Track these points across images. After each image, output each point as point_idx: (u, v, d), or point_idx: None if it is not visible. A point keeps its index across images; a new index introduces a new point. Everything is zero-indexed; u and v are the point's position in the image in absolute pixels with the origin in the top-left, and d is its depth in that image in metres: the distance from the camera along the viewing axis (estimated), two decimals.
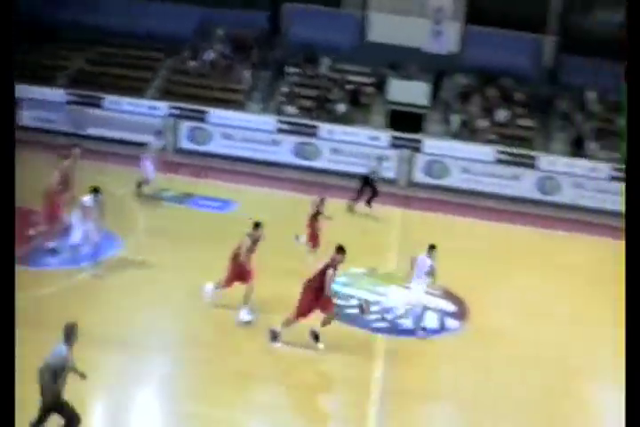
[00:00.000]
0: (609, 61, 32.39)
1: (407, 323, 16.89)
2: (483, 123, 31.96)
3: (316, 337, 14.89)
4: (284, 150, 30.56)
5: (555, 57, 34.84)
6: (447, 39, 33.94)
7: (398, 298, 17.95)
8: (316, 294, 14.70)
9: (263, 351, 14.59)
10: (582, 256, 23.80)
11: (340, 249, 14.91)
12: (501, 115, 32.37)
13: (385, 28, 33.61)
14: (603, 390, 15.20)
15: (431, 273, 16.34)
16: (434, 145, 30.77)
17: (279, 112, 31.94)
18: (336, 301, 15.82)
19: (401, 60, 33.54)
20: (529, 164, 30.37)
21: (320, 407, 13.56)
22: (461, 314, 17.74)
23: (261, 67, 33.99)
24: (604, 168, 30.12)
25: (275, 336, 14.78)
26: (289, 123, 31.01)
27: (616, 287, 20.75)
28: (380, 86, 33.43)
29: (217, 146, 30.62)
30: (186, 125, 30.76)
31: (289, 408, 12.82)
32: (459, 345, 16.25)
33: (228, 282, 16.04)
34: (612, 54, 32.17)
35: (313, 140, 30.66)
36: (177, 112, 31.14)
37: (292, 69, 33.86)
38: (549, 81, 34.52)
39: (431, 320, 17.19)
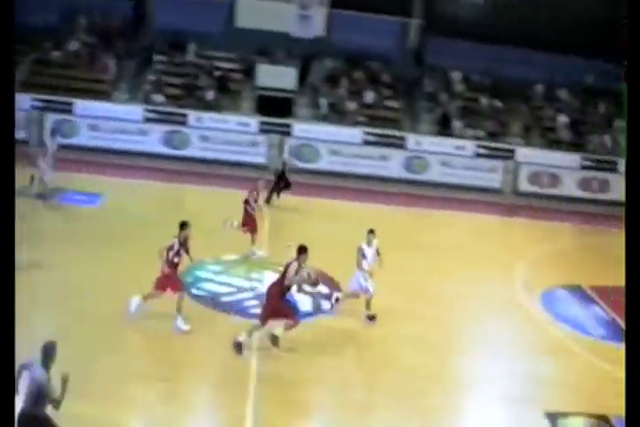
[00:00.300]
0: (472, 42, 33.31)
1: None
2: (351, 105, 32.39)
3: (274, 341, 14.37)
4: (153, 140, 30.15)
5: (419, 39, 35.49)
6: (314, 23, 34.14)
7: None
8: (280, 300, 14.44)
9: (139, 347, 14.45)
10: (454, 233, 24.49)
11: (302, 249, 14.45)
12: (369, 97, 32.88)
13: (252, 14, 33.49)
14: (484, 368, 15.62)
15: (365, 257, 16.59)
16: (303, 129, 31.07)
17: (146, 101, 31.51)
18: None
19: (269, 46, 33.60)
20: (397, 144, 31.05)
21: (198, 398, 13.51)
22: None
23: (127, 55, 33.45)
24: (470, 146, 31.08)
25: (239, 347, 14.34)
26: (157, 112, 30.64)
27: (488, 264, 21.65)
28: (249, 72, 33.44)
29: (84, 138, 29.91)
30: (51, 118, 29.98)
31: (167, 402, 12.69)
32: (334, 327, 16.41)
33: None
34: (474, 35, 33.14)
35: (182, 129, 30.42)
36: (41, 105, 30.29)
37: (158, 57, 33.42)
38: (415, 63, 35.24)
39: (305, 303, 17.37)
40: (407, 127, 32.36)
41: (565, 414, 13.96)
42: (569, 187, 31.58)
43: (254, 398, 12.96)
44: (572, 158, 31.86)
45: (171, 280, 15.15)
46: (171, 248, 15.06)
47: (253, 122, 30.92)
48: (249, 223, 19.92)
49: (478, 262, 21.65)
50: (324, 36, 34.38)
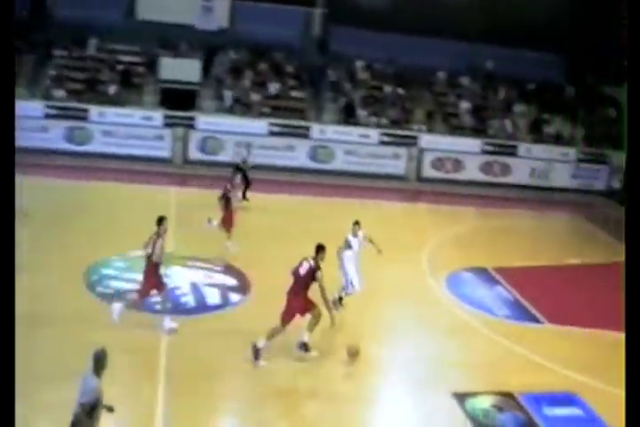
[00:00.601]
0: (375, 31, 33.59)
1: (191, 301, 16.98)
2: (255, 97, 32.35)
3: (305, 348, 14.47)
4: (54, 136, 29.55)
5: (323, 28, 35.57)
6: (217, 15, 33.95)
7: (181, 277, 18.03)
8: (299, 299, 14.40)
9: (46, 348, 14.18)
10: (360, 220, 24.60)
11: (320, 248, 14.47)
12: (273, 88, 32.88)
13: (154, 6, 33.11)
14: (392, 353, 15.80)
15: (351, 247, 17.16)
16: (207, 121, 30.90)
17: (47, 97, 30.87)
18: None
19: (171, 38, 33.28)
20: (302, 134, 31.13)
21: (107, 398, 13.31)
22: (243, 287, 17.90)
23: (26, 50, 32.64)
24: (374, 134, 31.33)
25: (257, 353, 14.16)
26: (58, 107, 30.01)
27: (394, 250, 21.77)
28: (152, 65, 33.06)
29: None
30: None
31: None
32: (244, 319, 16.35)
33: (146, 292, 15.32)
34: (377, 24, 33.41)
35: (84, 124, 29.88)
36: None
37: (58, 52, 32.75)
38: (319, 52, 35.31)
39: (213, 296, 17.35)
40: (312, 117, 32.48)
41: (473, 394, 14.17)
42: (471, 171, 32.21)
43: (165, 395, 12.88)
44: (473, 143, 32.48)
45: (157, 281, 15.23)
46: (154, 246, 14.87)
47: (157, 115, 30.61)
48: (228, 219, 19.89)
49: (384, 249, 21.83)
50: (228, 28, 34.22)
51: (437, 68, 35.37)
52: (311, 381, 14.04)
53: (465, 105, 34.26)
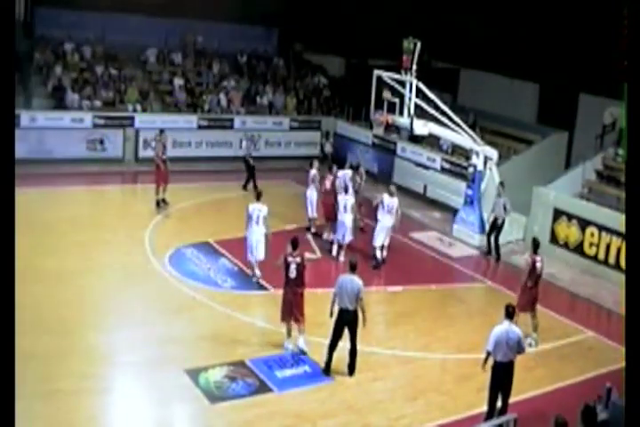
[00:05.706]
0: (81, 11, 33.06)
1: None
2: None
3: None
4: None
5: (28, 11, 33.95)
6: None
7: None
8: None
9: None
10: (79, 208, 24.56)
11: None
12: None
13: None
14: (125, 338, 15.72)
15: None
16: None
17: None
18: None
19: None
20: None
21: None
22: None
23: None
24: (87, 117, 30.40)
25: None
26: None
27: (116, 235, 21.57)
28: None
29: None
30: None
31: None
32: None
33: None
34: (83, 4, 32.45)
35: None
36: None
37: None
38: (25, 35, 33.59)
39: None
40: (20, 104, 30.79)
41: (205, 368, 14.45)
42: (188, 147, 31.96)
43: None
44: (188, 119, 32.43)
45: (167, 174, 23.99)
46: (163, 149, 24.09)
47: None
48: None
49: (105, 234, 21.73)
50: None
51: (149, 46, 35.08)
52: (50, 382, 13.48)
53: (179, 82, 34.14)
